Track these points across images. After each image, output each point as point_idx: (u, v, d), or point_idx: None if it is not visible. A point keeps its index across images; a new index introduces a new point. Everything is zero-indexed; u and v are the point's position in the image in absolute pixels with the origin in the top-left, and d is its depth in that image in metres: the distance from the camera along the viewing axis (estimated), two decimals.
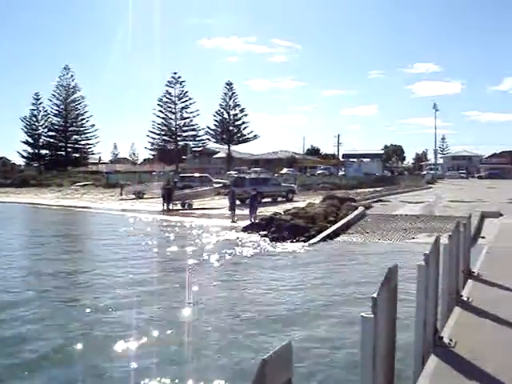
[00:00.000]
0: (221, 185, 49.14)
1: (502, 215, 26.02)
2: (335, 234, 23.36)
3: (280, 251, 20.28)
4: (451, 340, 6.73)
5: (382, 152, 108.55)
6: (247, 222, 27.46)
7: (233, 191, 32.62)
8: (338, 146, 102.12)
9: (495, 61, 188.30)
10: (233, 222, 29.36)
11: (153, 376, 8.39)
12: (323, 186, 55.04)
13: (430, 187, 56.74)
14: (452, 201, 35.10)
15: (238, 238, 23.90)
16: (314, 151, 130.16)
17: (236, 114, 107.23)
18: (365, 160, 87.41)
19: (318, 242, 21.99)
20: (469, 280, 10.54)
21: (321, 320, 11.39)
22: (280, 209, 30.21)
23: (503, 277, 10.78)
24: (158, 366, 8.85)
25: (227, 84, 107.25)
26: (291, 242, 22.03)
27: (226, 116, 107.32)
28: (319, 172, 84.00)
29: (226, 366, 8.96)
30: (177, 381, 8.27)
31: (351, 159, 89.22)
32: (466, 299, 8.95)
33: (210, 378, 8.34)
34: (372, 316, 4.09)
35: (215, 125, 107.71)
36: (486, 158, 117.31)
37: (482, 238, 20.26)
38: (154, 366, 8.81)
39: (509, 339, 7.00)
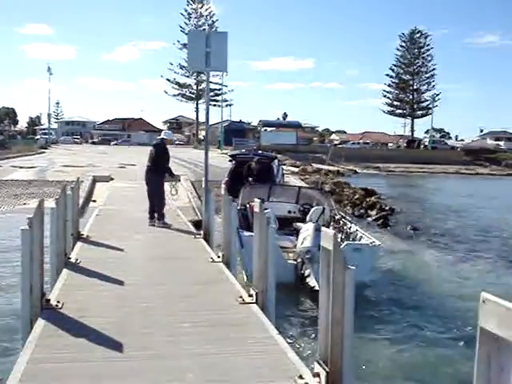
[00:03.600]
0: None
1: (112, 179, 27.11)
2: None
3: None
4: (59, 302, 6.77)
5: None
6: None
7: None
8: None
9: (108, 30, 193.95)
10: None
11: None
12: None
13: (44, 152, 55.87)
14: (65, 166, 35.11)
15: None
16: None
17: None
18: None
19: None
20: (78, 242, 10.76)
21: None
22: None
23: (110, 237, 11.33)
24: None
25: None
26: None
27: None
28: None
29: None
30: None
31: None
32: (74, 261, 9.11)
33: None
34: None
35: None
36: (100, 123, 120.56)
37: (94, 201, 20.79)
38: None
39: (112, 294, 7.40)
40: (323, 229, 4.89)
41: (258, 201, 7.01)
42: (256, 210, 7.09)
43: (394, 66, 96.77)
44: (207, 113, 12.79)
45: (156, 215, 13.11)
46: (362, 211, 24.04)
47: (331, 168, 47.82)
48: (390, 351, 8.77)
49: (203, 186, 12.65)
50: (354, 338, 4.71)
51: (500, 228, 23.23)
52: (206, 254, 10.25)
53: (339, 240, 12.75)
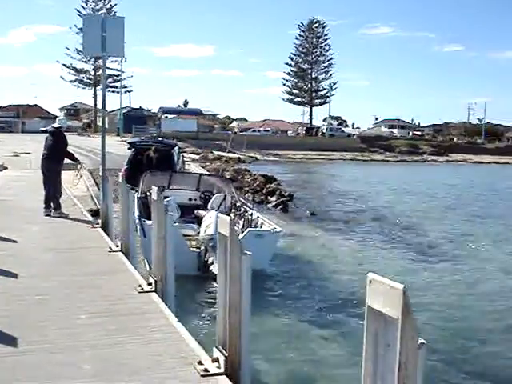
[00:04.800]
0: None
1: (6, 168, 25.94)
2: None
3: None
4: None
5: None
6: None
7: None
8: None
9: (1, 13, 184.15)
10: None
11: None
12: None
13: None
14: None
15: None
16: None
17: None
18: None
19: None
20: None
21: None
22: None
23: (3, 228, 10.83)
24: None
25: None
26: None
27: None
28: None
29: None
30: None
31: None
32: None
33: None
34: None
35: None
36: None
37: None
38: None
39: (5, 287, 7.12)
40: (220, 215, 4.94)
41: (156, 188, 6.95)
42: (154, 197, 7.03)
43: (293, 54, 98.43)
44: (103, 99, 12.51)
45: (52, 205, 12.69)
46: (262, 197, 24.40)
47: (232, 155, 48.08)
48: (289, 335, 8.99)
49: (101, 174, 12.37)
50: (251, 323, 4.81)
51: (391, 211, 24.34)
52: (104, 243, 10.05)
53: (241, 227, 12.98)
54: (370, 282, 2.85)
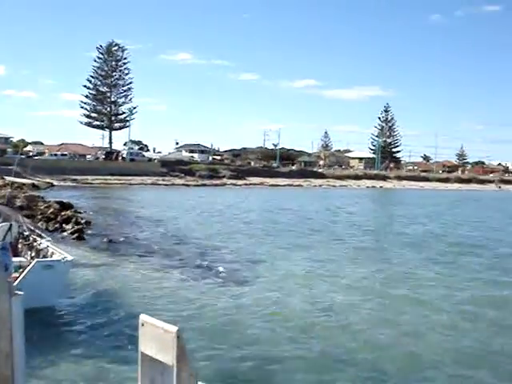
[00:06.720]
0: None
1: None
2: None
3: None
4: None
5: None
6: None
7: None
8: None
9: None
10: None
11: None
12: None
13: None
14: None
15: None
16: None
17: None
18: None
19: None
20: None
21: None
22: None
23: None
24: None
25: None
26: None
27: None
28: None
29: None
30: None
31: None
32: None
33: None
34: None
35: None
36: None
37: None
38: None
39: None
40: None
41: None
42: None
43: (92, 77, 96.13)
44: None
45: None
46: (57, 226, 23.24)
47: (26, 181, 45.35)
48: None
49: None
50: (27, 373, 4.40)
51: (189, 234, 24.58)
52: None
53: (29, 258, 12.17)
54: (142, 324, 2.59)
